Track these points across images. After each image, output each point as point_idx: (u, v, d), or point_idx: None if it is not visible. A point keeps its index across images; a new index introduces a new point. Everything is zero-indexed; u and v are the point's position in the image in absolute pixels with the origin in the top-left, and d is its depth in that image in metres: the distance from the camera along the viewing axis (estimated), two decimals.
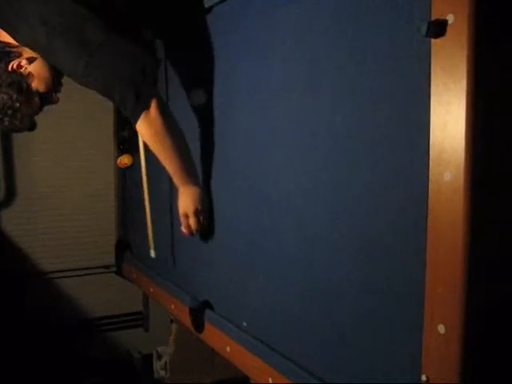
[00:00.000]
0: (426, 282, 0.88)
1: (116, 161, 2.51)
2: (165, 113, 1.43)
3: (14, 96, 1.43)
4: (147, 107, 1.39)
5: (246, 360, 1.43)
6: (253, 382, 1.52)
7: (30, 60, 1.45)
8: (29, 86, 1.47)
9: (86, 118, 3.19)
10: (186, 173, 1.57)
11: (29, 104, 1.48)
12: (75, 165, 3.23)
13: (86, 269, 3.20)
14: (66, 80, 1.56)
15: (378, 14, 1.01)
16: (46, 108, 1.55)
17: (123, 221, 2.70)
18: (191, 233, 1.65)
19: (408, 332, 0.94)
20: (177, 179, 1.58)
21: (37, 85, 1.48)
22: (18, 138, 3.06)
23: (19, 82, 1.44)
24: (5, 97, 1.43)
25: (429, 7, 0.86)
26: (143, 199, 2.17)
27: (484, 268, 0.84)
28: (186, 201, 1.60)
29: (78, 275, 3.20)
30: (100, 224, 3.22)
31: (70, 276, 3.19)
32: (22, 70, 1.45)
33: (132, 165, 2.39)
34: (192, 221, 1.61)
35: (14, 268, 3.05)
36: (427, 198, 0.88)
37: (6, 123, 1.47)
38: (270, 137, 1.37)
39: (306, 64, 1.22)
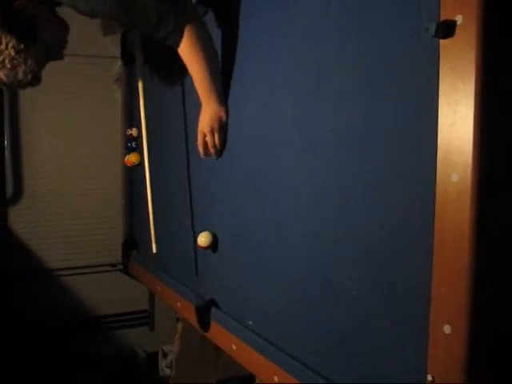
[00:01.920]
0: (432, 282, 0.89)
1: (124, 159, 2.52)
2: (202, 30, 1.45)
3: (17, 37, 1.36)
4: (186, 23, 1.40)
5: (251, 358, 1.44)
6: (258, 380, 1.52)
7: (36, 2, 1.40)
8: (33, 28, 1.40)
9: (94, 115, 3.21)
10: (213, 89, 1.55)
11: (33, 48, 1.40)
12: (83, 163, 3.25)
13: (92, 267, 3.21)
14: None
15: (386, 14, 1.01)
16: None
17: (130, 219, 2.71)
18: (205, 153, 1.65)
19: (414, 332, 0.94)
20: (202, 94, 1.56)
21: (42, 30, 1.42)
22: (26, 136, 3.08)
23: (23, 22, 1.38)
24: (8, 36, 1.35)
25: (438, 8, 0.86)
26: (146, 193, 2.12)
27: (490, 269, 0.84)
28: (205, 118, 1.60)
29: (85, 273, 3.21)
30: (107, 222, 3.23)
31: (76, 274, 3.20)
32: (26, 12, 1.38)
33: (140, 163, 2.40)
34: (209, 139, 1.61)
35: (20, 265, 3.07)
36: (434, 199, 0.88)
37: (8, 65, 1.38)
38: (274, 137, 1.37)
39: (313, 63, 1.22)
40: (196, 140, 1.66)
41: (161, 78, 2.15)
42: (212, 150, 1.64)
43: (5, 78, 1.42)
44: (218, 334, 1.64)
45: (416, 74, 0.94)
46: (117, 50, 2.63)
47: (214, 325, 1.66)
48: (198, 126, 1.63)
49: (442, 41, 0.86)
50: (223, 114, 1.59)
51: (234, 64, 1.55)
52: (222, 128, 1.61)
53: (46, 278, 3.16)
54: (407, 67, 0.96)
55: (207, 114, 1.59)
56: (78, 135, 3.22)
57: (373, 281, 1.05)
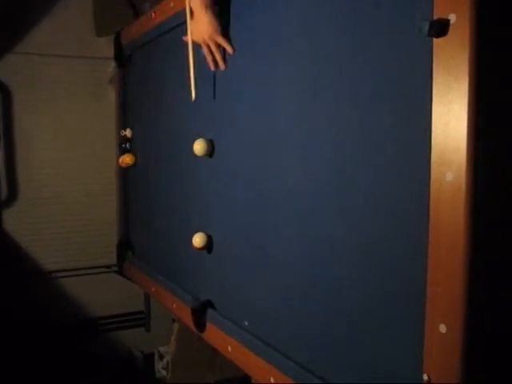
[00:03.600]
0: (427, 281, 0.89)
1: (118, 160, 2.51)
2: None
3: None
4: None
5: (247, 359, 1.43)
6: (254, 381, 1.52)
7: None
8: None
9: (88, 117, 3.20)
10: None
11: None
12: (77, 164, 3.24)
13: (87, 268, 3.21)
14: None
15: (380, 14, 1.01)
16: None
17: (125, 220, 2.70)
18: (216, 64, 1.57)
19: (410, 331, 0.94)
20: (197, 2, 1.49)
21: None
22: (20, 138, 3.07)
23: None
24: None
25: (431, 7, 0.86)
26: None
27: (485, 268, 0.84)
28: (202, 29, 1.52)
29: (80, 275, 3.20)
30: (102, 223, 3.22)
31: (71, 276, 3.20)
32: None
33: (134, 164, 2.39)
34: (214, 48, 1.54)
35: (16, 267, 3.06)
36: (429, 198, 0.88)
37: None
38: (273, 137, 1.37)
39: (308, 64, 1.22)
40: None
41: (157, 78, 2.15)
42: (220, 61, 1.56)
43: None
44: (214, 335, 1.63)
45: (410, 73, 0.94)
46: (110, 52, 2.62)
47: (209, 326, 1.66)
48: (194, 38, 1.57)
49: (435, 40, 0.86)
50: (218, 25, 1.52)
51: (233, 64, 1.55)
52: (222, 34, 1.52)
53: (41, 280, 3.15)
54: (401, 67, 0.96)
55: (203, 24, 1.51)
56: (73, 137, 3.22)
57: (371, 281, 1.05)
